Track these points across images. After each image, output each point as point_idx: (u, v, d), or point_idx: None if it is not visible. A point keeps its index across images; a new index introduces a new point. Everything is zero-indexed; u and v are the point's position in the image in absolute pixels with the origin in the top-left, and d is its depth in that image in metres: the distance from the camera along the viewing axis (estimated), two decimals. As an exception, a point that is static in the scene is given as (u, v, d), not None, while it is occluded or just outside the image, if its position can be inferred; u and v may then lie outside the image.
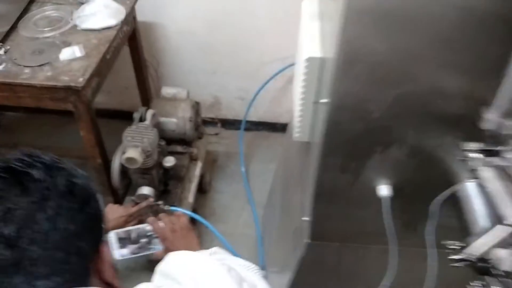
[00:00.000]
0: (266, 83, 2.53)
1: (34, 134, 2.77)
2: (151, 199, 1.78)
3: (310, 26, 1.23)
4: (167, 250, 1.09)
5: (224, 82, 2.62)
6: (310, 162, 1.23)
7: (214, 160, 2.63)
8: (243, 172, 2.55)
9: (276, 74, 2.49)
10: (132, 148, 1.73)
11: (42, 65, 1.72)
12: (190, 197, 2.08)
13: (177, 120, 2.00)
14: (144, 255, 1.17)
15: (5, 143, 2.54)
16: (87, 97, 1.73)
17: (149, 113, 1.91)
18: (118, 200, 2.14)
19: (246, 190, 2.49)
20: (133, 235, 1.18)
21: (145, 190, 1.79)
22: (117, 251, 1.13)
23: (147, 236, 1.19)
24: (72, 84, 1.65)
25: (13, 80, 1.67)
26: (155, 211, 1.80)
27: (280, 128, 2.82)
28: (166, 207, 1.84)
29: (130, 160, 1.71)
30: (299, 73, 1.19)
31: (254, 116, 2.75)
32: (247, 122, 2.75)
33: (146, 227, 1.21)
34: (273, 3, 2.25)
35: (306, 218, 1.24)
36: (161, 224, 1.19)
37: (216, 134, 2.29)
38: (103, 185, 2.02)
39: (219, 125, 2.31)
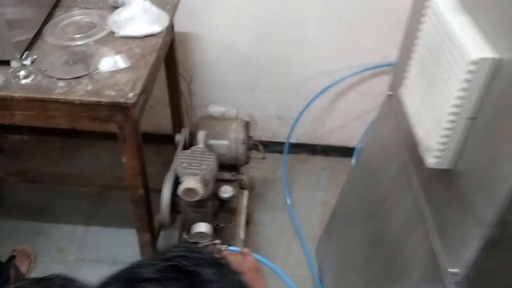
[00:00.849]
0: (312, 100, 2.26)
1: (42, 160, 2.42)
2: (210, 239, 1.48)
3: (456, 21, 0.96)
4: None
5: (261, 99, 2.35)
6: (456, 195, 0.95)
7: (252, 187, 2.33)
8: (288, 203, 2.25)
9: (325, 89, 2.23)
10: (191, 177, 1.43)
11: (79, 77, 1.42)
12: (241, 232, 1.77)
13: (229, 142, 1.70)
14: None
15: (12, 170, 2.19)
16: (135, 116, 1.43)
17: (201, 135, 1.61)
18: (155, 238, 1.82)
19: (293, 222, 2.19)
20: None
21: (202, 227, 1.48)
22: None
23: None
24: (121, 101, 1.35)
25: (46, 96, 1.36)
26: None
27: (321, 150, 2.55)
28: (224, 247, 1.54)
29: (189, 191, 1.40)
30: (453, 79, 0.92)
31: (292, 137, 2.47)
32: (281, 144, 2.47)
33: None
34: (326, 9, 2.00)
35: (456, 270, 0.95)
36: None
37: (263, 158, 2.01)
38: (141, 220, 1.70)
39: (261, 148, 2.03)
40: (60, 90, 1.37)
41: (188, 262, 0.58)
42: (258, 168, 2.43)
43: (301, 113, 2.29)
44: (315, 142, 2.53)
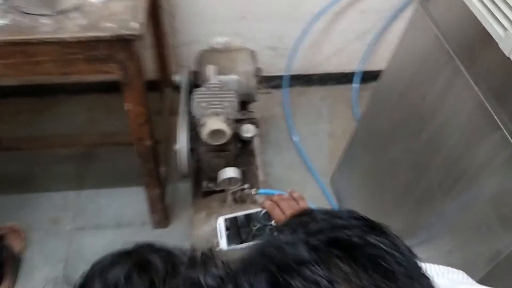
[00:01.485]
0: (311, 24, 2.05)
1: (10, 125, 2.12)
2: (239, 184, 1.32)
3: None
4: None
5: (253, 30, 2.12)
6: None
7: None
8: (295, 140, 2.10)
9: (325, 9, 2.02)
10: (214, 117, 1.23)
11: (66, 11, 1.15)
12: (261, 174, 1.61)
13: (239, 76, 1.50)
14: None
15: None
16: (140, 53, 1.20)
17: (212, 70, 1.40)
18: (164, 193, 1.64)
19: (302, 158, 2.06)
20: (242, 222, 0.95)
21: (231, 172, 1.31)
22: (224, 239, 0.91)
23: (261, 224, 0.95)
24: (125, 32, 1.10)
25: (30, 36, 1.09)
26: (240, 199, 1.34)
27: (317, 80, 2.38)
28: (253, 191, 1.38)
29: (216, 133, 1.21)
30: None
31: (286, 69, 2.28)
32: (276, 78, 2.29)
33: (259, 213, 0.95)
34: None
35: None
36: (276, 210, 0.89)
37: (268, 93, 1.82)
38: (150, 175, 1.50)
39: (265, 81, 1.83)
40: (46, 28, 1.11)
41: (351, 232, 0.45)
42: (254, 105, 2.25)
43: (300, 40, 2.09)
44: (311, 71, 2.36)
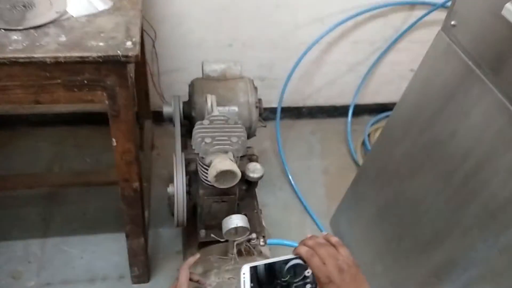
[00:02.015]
0: (304, 54, 1.91)
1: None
2: (246, 234, 1.12)
3: None
4: None
5: (241, 58, 1.93)
6: None
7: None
8: (290, 178, 1.92)
9: (318, 40, 1.89)
10: (222, 156, 1.03)
11: (43, 25, 0.94)
12: (262, 219, 1.41)
13: (240, 108, 1.31)
14: None
15: None
16: (130, 77, 0.99)
17: (212, 100, 1.20)
18: (147, 243, 1.41)
19: (299, 198, 1.87)
20: (271, 271, 0.77)
21: (238, 220, 1.10)
22: None
23: (294, 275, 0.78)
24: (118, 53, 0.90)
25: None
26: (245, 250, 1.14)
27: (307, 113, 2.23)
28: (262, 242, 1.18)
29: (226, 175, 1.01)
30: None
31: (275, 101, 2.11)
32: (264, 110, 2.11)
33: (292, 260, 0.78)
34: None
35: None
36: (315, 259, 0.75)
37: (264, 126, 1.64)
38: (135, 222, 1.28)
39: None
40: (17, 46, 0.89)
41: None
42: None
43: (293, 70, 1.94)
44: (300, 104, 2.20)
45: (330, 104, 2.22)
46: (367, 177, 1.56)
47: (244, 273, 0.76)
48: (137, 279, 1.51)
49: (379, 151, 1.50)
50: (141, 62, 1.72)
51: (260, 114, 1.41)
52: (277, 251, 1.51)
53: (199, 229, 1.22)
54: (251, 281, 0.76)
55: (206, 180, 1.13)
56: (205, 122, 1.11)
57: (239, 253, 1.21)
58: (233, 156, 1.07)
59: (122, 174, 1.15)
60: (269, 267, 0.79)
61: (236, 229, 1.11)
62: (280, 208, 1.84)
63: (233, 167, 1.01)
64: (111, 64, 0.92)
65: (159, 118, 2.07)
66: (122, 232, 1.63)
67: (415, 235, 1.31)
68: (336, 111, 2.24)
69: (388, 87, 2.19)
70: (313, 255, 0.76)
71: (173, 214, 1.69)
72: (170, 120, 1.39)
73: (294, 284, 0.79)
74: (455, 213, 1.16)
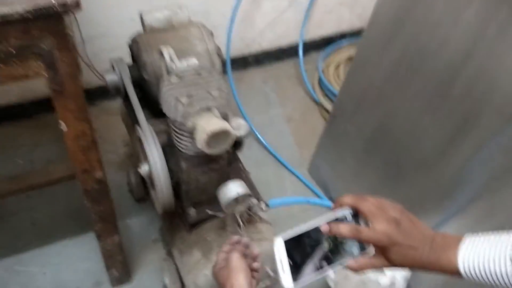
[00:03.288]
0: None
1: None
2: (248, 201, 0.95)
3: None
4: (387, 257, 0.61)
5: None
6: None
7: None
8: (257, 133, 1.74)
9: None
10: (208, 115, 0.83)
11: None
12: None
13: (200, 59, 1.10)
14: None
15: None
16: (71, 35, 0.75)
17: (168, 52, 0.98)
18: (121, 239, 1.20)
19: (270, 152, 1.72)
20: (310, 239, 0.63)
21: (238, 187, 0.92)
22: (288, 272, 0.60)
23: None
24: (52, 1, 0.66)
25: None
26: (247, 220, 0.99)
27: (254, 61, 2.05)
28: (263, 206, 1.02)
29: (218, 137, 0.82)
30: None
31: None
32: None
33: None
34: None
35: None
36: (366, 204, 0.63)
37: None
38: (105, 219, 1.06)
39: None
40: None
41: None
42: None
43: (234, 14, 1.73)
44: (245, 52, 2.01)
45: (276, 47, 2.04)
46: (344, 112, 1.43)
47: (278, 249, 0.60)
48: (117, 282, 1.30)
49: (354, 80, 1.37)
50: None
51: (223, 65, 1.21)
52: (277, 213, 1.35)
53: (187, 208, 1.03)
54: (289, 257, 0.61)
55: (187, 150, 0.93)
56: (173, 79, 0.90)
57: (240, 224, 1.03)
58: (222, 114, 0.87)
59: (80, 164, 0.91)
60: (304, 235, 0.62)
61: (237, 198, 0.93)
62: (253, 166, 1.64)
63: (226, 125, 0.82)
64: (44, 20, 0.67)
65: (91, 97, 1.79)
66: (85, 234, 1.41)
67: (416, 156, 1.20)
68: (284, 53, 2.08)
69: (330, 17, 2.05)
70: (363, 199, 0.63)
71: (138, 200, 1.48)
72: (117, 91, 1.15)
73: (331, 251, 0.64)
74: (463, 124, 1.05)
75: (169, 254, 1.33)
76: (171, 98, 0.86)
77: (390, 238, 0.59)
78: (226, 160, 0.99)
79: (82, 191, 0.98)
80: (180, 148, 0.94)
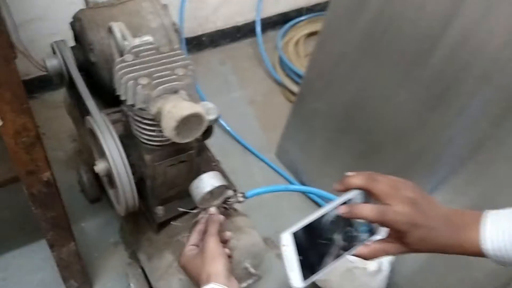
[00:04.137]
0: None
1: None
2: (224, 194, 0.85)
3: None
4: (403, 242, 0.55)
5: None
6: None
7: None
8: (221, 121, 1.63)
9: None
10: (174, 98, 0.71)
11: None
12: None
13: (155, 36, 0.96)
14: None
15: None
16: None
17: (119, 28, 0.85)
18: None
19: (234, 138, 1.61)
20: (320, 229, 0.56)
21: (213, 179, 0.81)
22: (298, 269, 0.54)
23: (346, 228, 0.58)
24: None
25: None
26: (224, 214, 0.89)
27: (209, 42, 1.92)
28: (240, 197, 0.92)
29: (190, 121, 0.70)
30: None
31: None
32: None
33: (334, 211, 0.57)
34: None
35: None
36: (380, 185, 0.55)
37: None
38: (58, 226, 0.92)
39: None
40: None
41: None
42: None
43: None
44: (199, 31, 1.87)
45: (231, 25, 1.92)
46: (313, 90, 1.34)
47: (285, 245, 0.54)
48: (77, 294, 1.15)
49: (323, 56, 1.27)
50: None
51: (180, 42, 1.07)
52: (246, 203, 1.25)
53: (154, 206, 0.90)
54: (298, 252, 0.54)
55: (150, 140, 0.80)
56: (128, 57, 0.76)
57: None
58: (189, 95, 0.75)
59: (24, 165, 0.77)
60: (310, 226, 0.55)
61: (212, 191, 0.81)
62: (218, 155, 1.55)
63: (198, 109, 0.70)
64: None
65: (29, 89, 1.60)
66: (36, 242, 1.25)
67: (393, 130, 1.13)
68: (239, 32, 1.96)
69: (286, -8, 1.95)
70: (374, 179, 0.55)
71: (92, 201, 1.33)
72: (60, 78, 1.00)
73: (340, 239, 0.57)
74: (444, 91, 0.99)
75: (133, 257, 1.20)
76: (127, 80, 0.72)
77: (410, 220, 0.52)
78: (195, 150, 0.87)
79: (28, 195, 0.84)
80: (141, 139, 0.81)
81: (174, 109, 0.69)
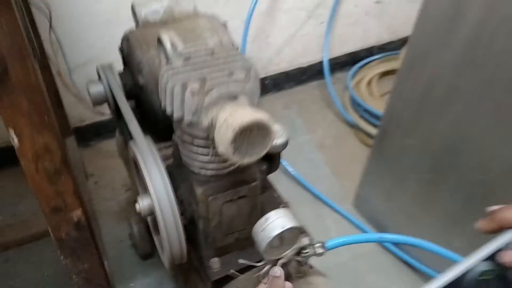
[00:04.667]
0: (253, 8, 1.46)
1: None
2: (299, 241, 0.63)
3: None
4: None
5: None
6: None
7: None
8: (284, 164, 1.44)
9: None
10: (236, 104, 0.53)
11: None
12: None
13: (213, 55, 0.81)
14: None
15: None
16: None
17: (169, 37, 0.70)
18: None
19: (304, 186, 1.40)
20: None
21: (284, 218, 0.60)
22: None
23: None
24: None
25: None
26: (296, 271, 0.66)
27: (272, 85, 1.78)
28: (319, 247, 0.70)
29: (254, 134, 0.51)
30: None
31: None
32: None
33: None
34: None
35: None
36: None
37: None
38: (89, 281, 0.74)
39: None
40: None
41: None
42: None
43: (246, 30, 1.47)
44: (262, 74, 1.74)
45: (295, 67, 1.78)
46: (400, 125, 1.12)
47: None
48: None
49: (407, 87, 1.06)
50: (39, 56, 1.17)
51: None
52: (321, 262, 1.01)
53: (207, 259, 0.70)
54: None
55: (202, 167, 0.62)
56: (176, 62, 0.60)
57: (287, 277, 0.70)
58: (248, 102, 0.57)
59: (47, 199, 0.61)
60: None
61: (282, 235, 0.60)
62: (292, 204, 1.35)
63: (262, 116, 0.51)
64: None
65: (84, 137, 1.52)
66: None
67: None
68: (304, 75, 1.81)
69: (354, 30, 1.80)
70: None
71: (144, 257, 1.16)
72: (103, 103, 0.87)
73: None
74: None
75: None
76: (173, 84, 0.56)
77: None
78: (259, 182, 0.67)
79: (55, 241, 0.67)
80: (191, 168, 0.63)
81: (231, 118, 0.51)
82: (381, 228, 1.26)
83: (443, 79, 0.96)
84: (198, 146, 0.60)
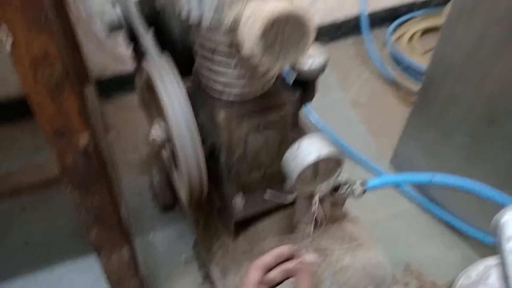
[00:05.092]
0: None
1: None
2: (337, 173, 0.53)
3: None
4: None
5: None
6: None
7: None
8: (317, 123, 1.34)
9: None
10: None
11: None
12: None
13: None
14: None
15: None
16: None
17: None
18: (135, 254, 0.80)
19: (340, 143, 1.30)
20: None
21: (319, 144, 0.50)
22: None
23: None
24: None
25: None
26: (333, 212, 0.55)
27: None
28: (360, 186, 0.60)
29: (287, 28, 0.41)
30: None
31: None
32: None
33: None
34: None
35: None
36: None
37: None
38: (104, 223, 0.66)
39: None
40: None
41: None
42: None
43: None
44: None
45: (329, 22, 1.65)
46: (449, 71, 1.00)
47: None
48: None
49: (460, 30, 0.94)
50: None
51: None
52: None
53: (230, 197, 0.62)
54: None
55: (225, 85, 0.53)
56: None
57: (317, 220, 0.61)
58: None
59: (48, 119, 0.53)
60: None
61: (316, 165, 0.51)
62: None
63: (300, 8, 0.42)
64: None
65: (106, 90, 1.45)
66: (91, 255, 1.02)
67: None
68: (339, 30, 1.68)
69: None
70: None
71: (164, 208, 1.10)
72: (118, 28, 0.78)
73: None
74: None
75: (207, 278, 0.93)
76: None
77: None
78: (291, 109, 0.58)
79: (60, 171, 0.60)
80: (212, 92, 0.54)
81: (259, 10, 0.41)
82: (421, 188, 1.15)
83: (503, 14, 0.83)
84: (220, 61, 0.51)
